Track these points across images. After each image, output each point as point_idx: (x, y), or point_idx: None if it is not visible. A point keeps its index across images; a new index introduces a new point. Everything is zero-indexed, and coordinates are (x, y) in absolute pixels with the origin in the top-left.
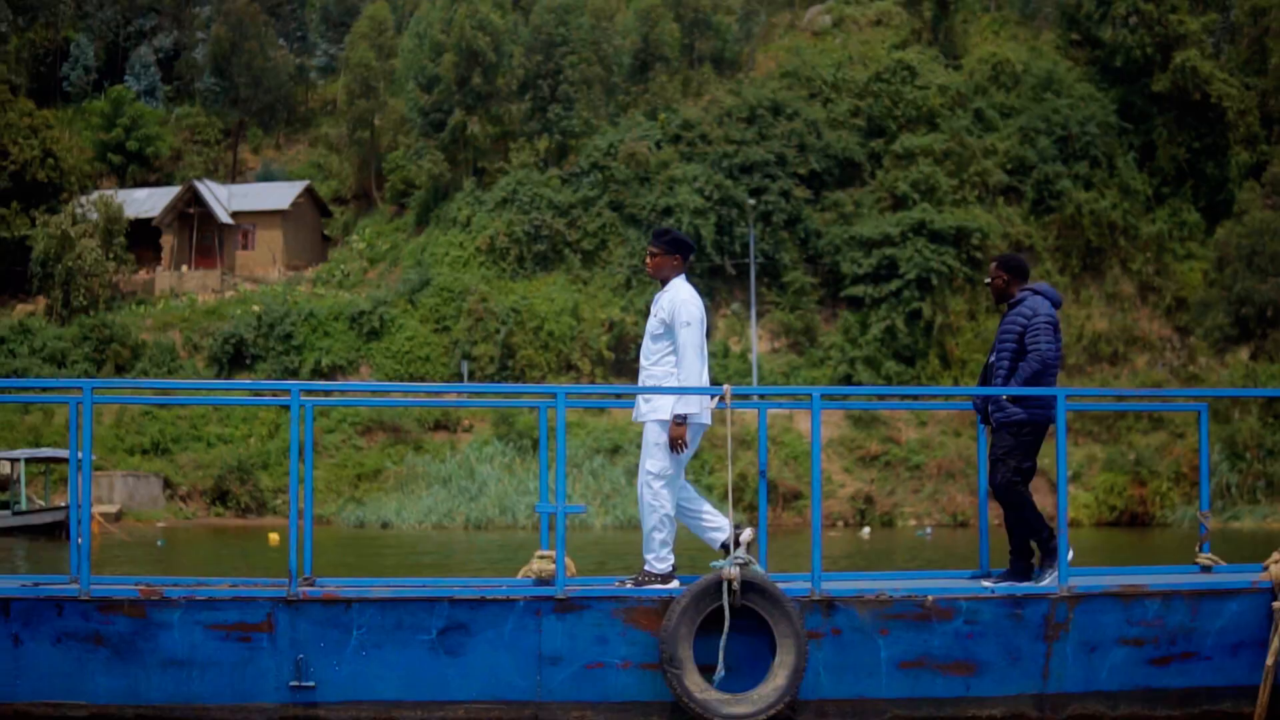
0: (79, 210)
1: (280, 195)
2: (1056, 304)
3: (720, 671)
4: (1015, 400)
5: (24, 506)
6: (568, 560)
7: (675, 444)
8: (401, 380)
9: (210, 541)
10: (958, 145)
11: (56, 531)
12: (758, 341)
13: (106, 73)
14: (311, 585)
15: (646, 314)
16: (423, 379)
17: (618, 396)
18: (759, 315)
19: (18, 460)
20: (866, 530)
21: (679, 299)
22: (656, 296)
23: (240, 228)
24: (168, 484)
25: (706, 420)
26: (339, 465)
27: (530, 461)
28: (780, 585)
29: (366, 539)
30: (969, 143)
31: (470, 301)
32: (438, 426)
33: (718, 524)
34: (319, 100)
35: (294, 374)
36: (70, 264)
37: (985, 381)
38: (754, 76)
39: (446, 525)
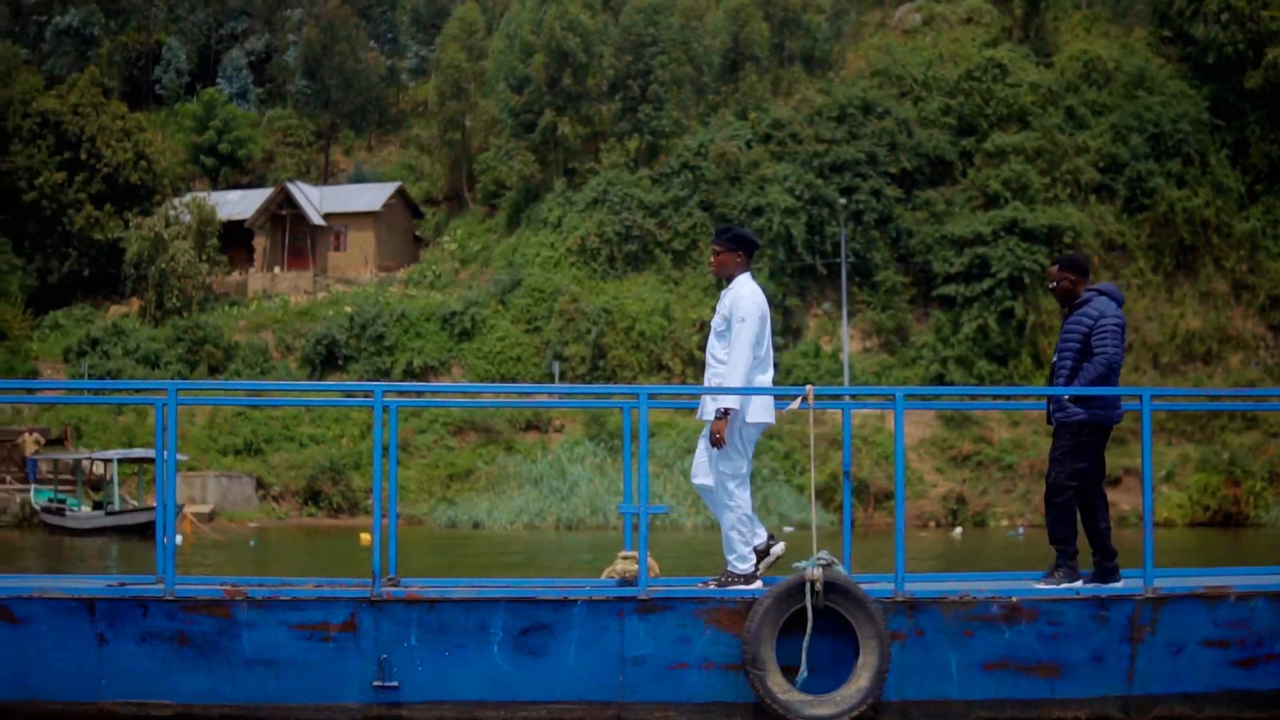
0: (172, 212)
1: (372, 197)
2: (1120, 304)
3: (803, 673)
4: (1076, 401)
5: (117, 506)
6: (651, 561)
7: (714, 439)
8: (493, 381)
9: (302, 541)
10: (1049, 143)
11: (148, 531)
12: (849, 341)
13: (199, 76)
14: (396, 585)
15: None
16: (514, 379)
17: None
18: (850, 315)
19: (111, 461)
20: (959, 531)
21: (739, 295)
22: (722, 295)
23: (332, 229)
24: (260, 484)
25: (766, 419)
26: (431, 466)
27: (621, 462)
28: (863, 586)
29: (458, 539)
30: (1061, 141)
31: (561, 302)
32: (529, 427)
33: (750, 559)
34: (410, 102)
35: (386, 375)
36: (164, 266)
37: (1051, 382)
38: (844, 75)
39: (538, 525)
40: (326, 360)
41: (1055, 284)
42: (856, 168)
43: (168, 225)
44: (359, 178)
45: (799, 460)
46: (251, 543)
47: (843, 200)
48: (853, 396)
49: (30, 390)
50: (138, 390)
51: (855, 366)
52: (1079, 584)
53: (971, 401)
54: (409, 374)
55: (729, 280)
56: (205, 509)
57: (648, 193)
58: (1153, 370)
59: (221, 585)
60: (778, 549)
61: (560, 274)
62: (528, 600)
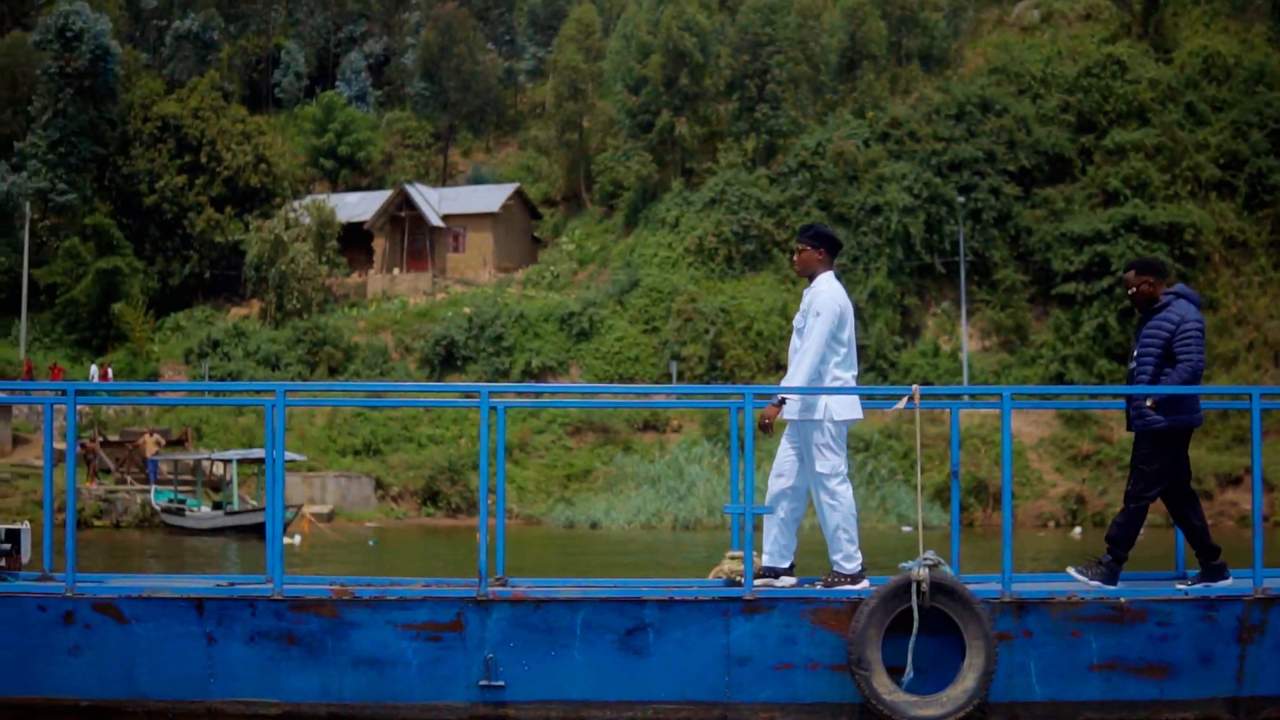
0: (292, 215)
1: (490, 198)
2: (1199, 306)
3: (909, 673)
4: (1157, 408)
5: (235, 506)
6: (757, 560)
7: (761, 423)
8: (610, 381)
9: (420, 541)
10: (1169, 140)
11: (265, 531)
12: (968, 340)
13: (318, 79)
14: (503, 585)
15: (856, 314)
16: (631, 380)
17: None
18: (969, 314)
19: (230, 461)
20: (1078, 531)
21: (819, 290)
22: (804, 293)
23: (451, 230)
24: (379, 484)
25: (853, 416)
26: (549, 466)
27: (741, 461)
28: (971, 587)
29: (576, 539)
30: (1181, 137)
31: (679, 302)
32: (646, 427)
33: (856, 557)
34: (528, 103)
35: (504, 375)
36: (283, 268)
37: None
38: (962, 73)
39: (654, 525)
40: (445, 361)
41: (1134, 289)
42: (975, 166)
43: (287, 228)
44: (477, 179)
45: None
46: (370, 542)
47: (961, 199)
48: (960, 396)
49: (146, 392)
50: (248, 391)
51: (974, 366)
52: (1114, 586)
53: (1082, 400)
54: (527, 374)
55: (812, 278)
56: (325, 509)
57: (765, 192)
58: (1275, 368)
59: (329, 585)
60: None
61: (678, 274)
62: (633, 600)
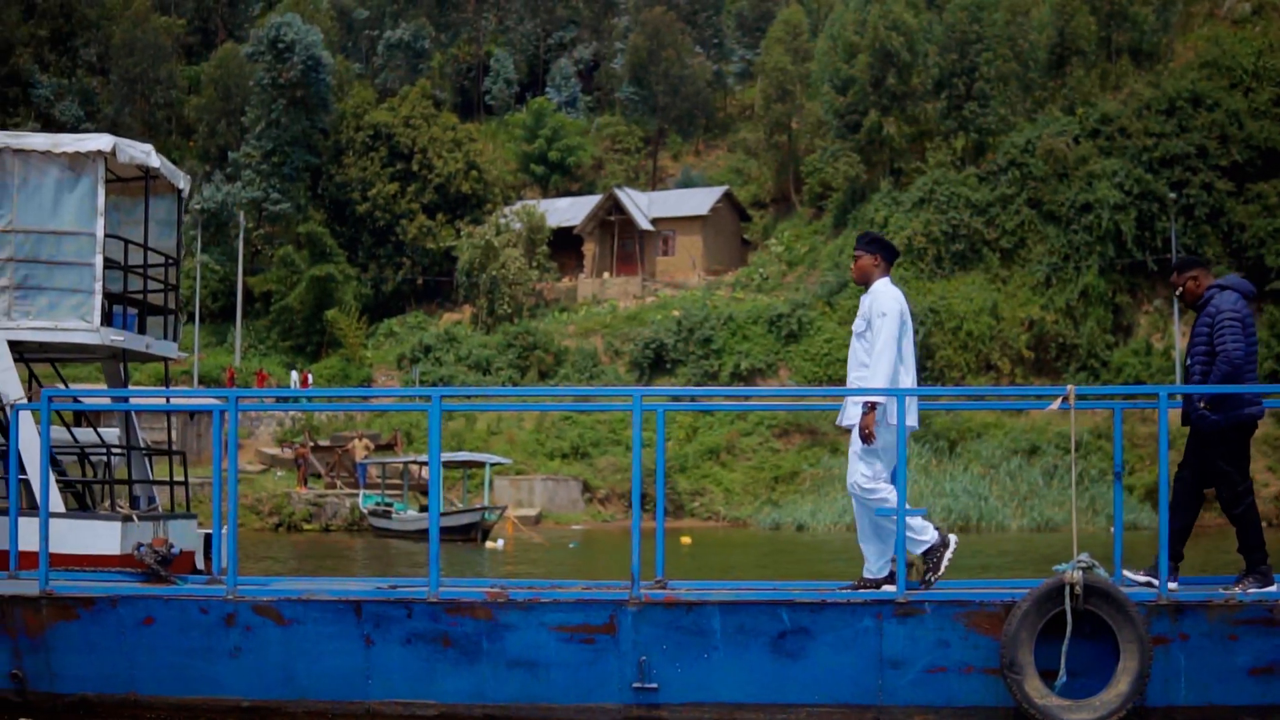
0: (502, 221)
1: (699, 201)
2: (1249, 295)
3: (1061, 677)
4: (1209, 405)
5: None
6: (918, 563)
7: (864, 432)
8: (820, 383)
9: (625, 544)
10: None
11: (472, 533)
12: (1180, 338)
13: (528, 85)
14: (663, 588)
15: (1067, 313)
16: (840, 382)
17: (958, 398)
18: (1181, 312)
19: None
20: None
21: (878, 294)
22: (862, 299)
23: (660, 234)
24: (586, 487)
25: (911, 422)
26: (756, 468)
27: (946, 463)
28: (1125, 590)
29: (781, 542)
30: None
31: None
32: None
33: (925, 536)
34: (737, 105)
35: (713, 378)
36: (494, 273)
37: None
38: (1172, 67)
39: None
40: (654, 364)
41: (1181, 290)
42: (1186, 161)
43: (498, 233)
44: (687, 182)
45: (1128, 460)
46: (571, 544)
47: (1173, 195)
48: (1116, 396)
49: (304, 398)
50: (404, 397)
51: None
52: (1273, 588)
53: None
54: (736, 377)
55: (867, 284)
56: (532, 512)
57: (974, 191)
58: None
59: (484, 588)
60: (949, 552)
61: None
62: (785, 603)
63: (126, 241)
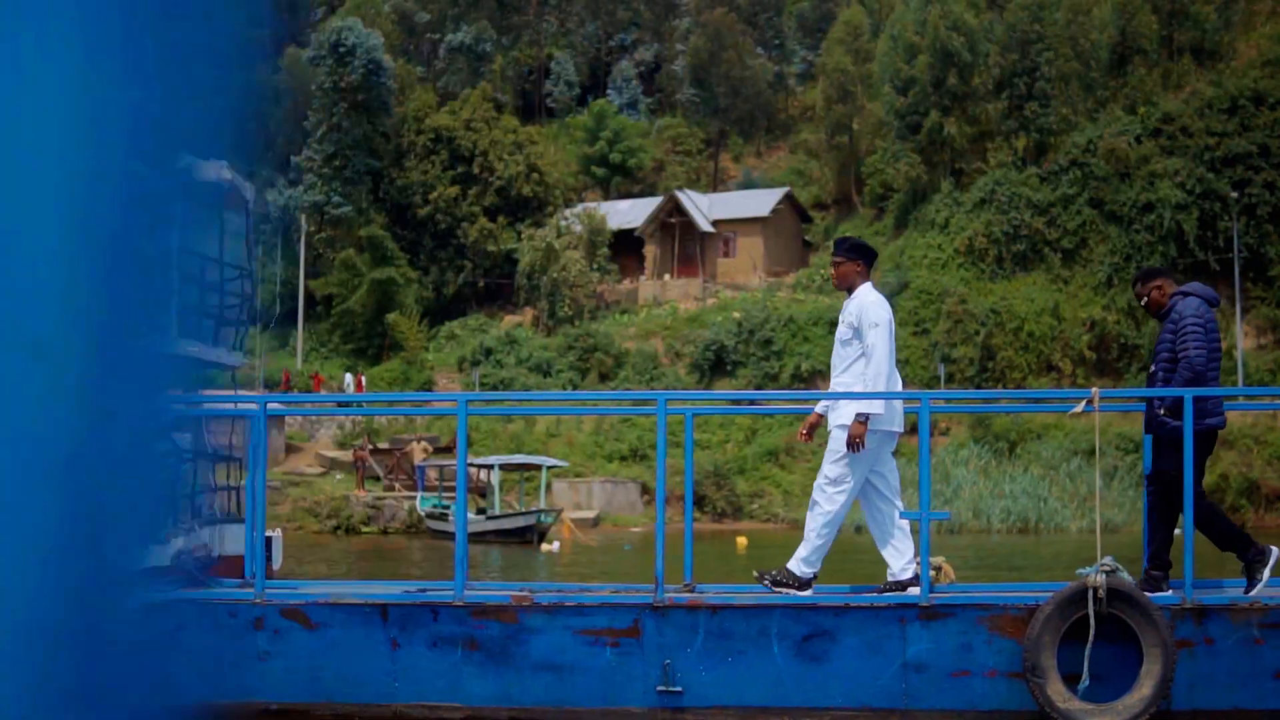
0: (563, 223)
1: (760, 202)
2: (1212, 302)
3: (1084, 681)
4: (1170, 411)
5: (497, 511)
6: (946, 566)
7: (852, 443)
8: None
9: (679, 546)
10: None
11: (527, 535)
12: (1243, 338)
13: (589, 88)
14: (690, 591)
15: (1129, 313)
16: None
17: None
18: (1244, 311)
19: (492, 467)
20: None
21: (866, 302)
22: (845, 305)
23: (721, 236)
24: (645, 489)
25: (896, 428)
26: (814, 469)
27: (1006, 464)
28: (1148, 593)
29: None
30: None
31: (949, 303)
32: (913, 430)
33: (907, 556)
34: (798, 107)
35: (774, 380)
36: (555, 276)
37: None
38: (1235, 66)
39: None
40: (715, 366)
41: (1145, 299)
42: (1249, 160)
43: (559, 236)
44: (748, 184)
45: None
46: (625, 547)
47: (1235, 194)
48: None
49: (335, 403)
50: (434, 401)
51: (1250, 364)
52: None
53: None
54: (796, 378)
55: (850, 290)
56: (590, 514)
57: (1036, 191)
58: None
59: (510, 591)
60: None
61: (948, 275)
62: (809, 606)
63: (201, 256)
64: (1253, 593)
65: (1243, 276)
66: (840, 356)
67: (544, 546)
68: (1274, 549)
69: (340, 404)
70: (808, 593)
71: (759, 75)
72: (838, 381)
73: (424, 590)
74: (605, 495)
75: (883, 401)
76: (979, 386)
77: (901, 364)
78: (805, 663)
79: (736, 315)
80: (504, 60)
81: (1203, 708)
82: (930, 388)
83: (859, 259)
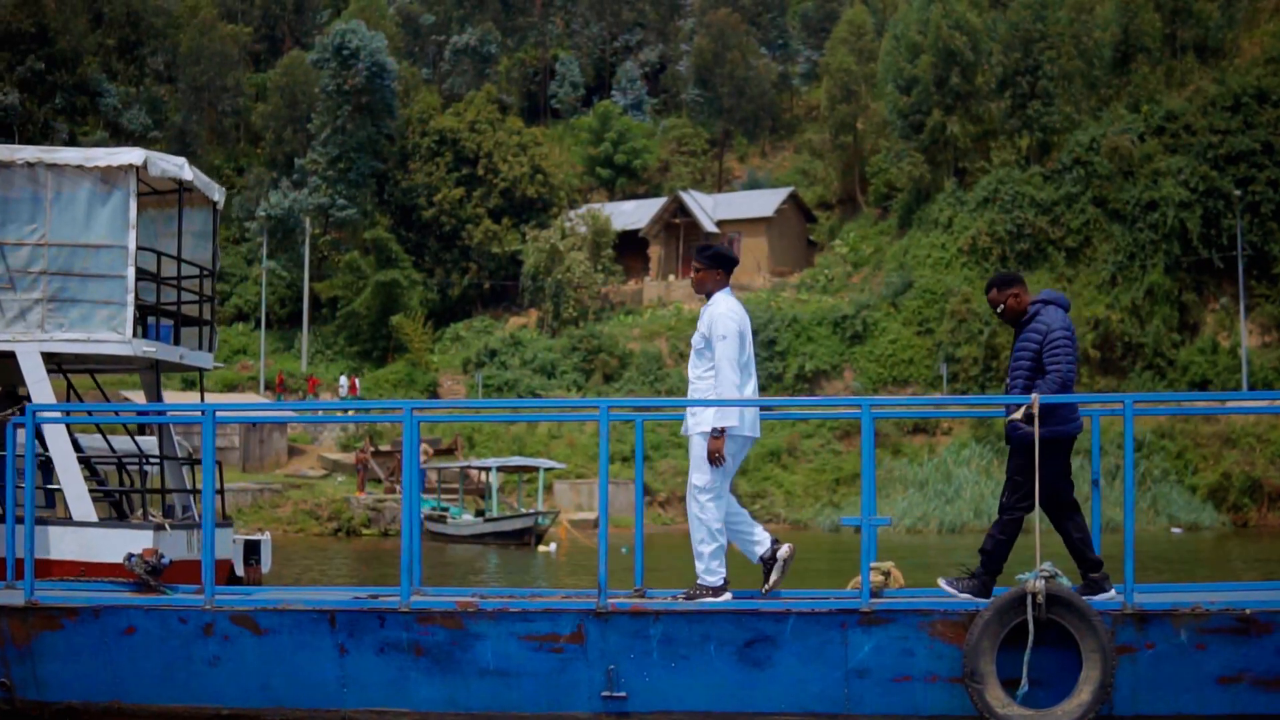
0: (568, 224)
1: (764, 203)
2: (1067, 309)
3: (1023, 686)
4: (1027, 420)
5: (495, 513)
6: (896, 572)
7: (712, 457)
8: (885, 384)
9: (683, 547)
10: None
11: (525, 537)
12: (1247, 336)
13: (594, 89)
14: (641, 596)
15: (1133, 311)
16: (906, 382)
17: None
18: (1248, 309)
19: (490, 469)
20: None
21: (716, 313)
22: (701, 311)
23: (726, 236)
24: (647, 490)
25: (751, 433)
26: (817, 470)
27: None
28: (1088, 599)
29: (840, 544)
30: None
31: (953, 303)
32: (916, 430)
33: (758, 538)
34: (803, 106)
35: (778, 380)
36: (560, 277)
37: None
38: (1238, 63)
39: (920, 530)
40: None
41: (1001, 306)
42: (1252, 158)
43: (563, 237)
44: (753, 184)
45: (1191, 460)
46: (623, 550)
47: (1238, 192)
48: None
49: (278, 412)
50: (380, 409)
51: (1254, 362)
52: (986, 600)
53: (1204, 406)
54: (800, 379)
55: (708, 297)
56: (592, 516)
57: (1039, 190)
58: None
59: (456, 597)
60: (784, 551)
61: (951, 275)
62: (750, 612)
63: (160, 254)
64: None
65: (1246, 274)
66: (694, 364)
67: (541, 548)
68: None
69: (295, 412)
70: (726, 597)
71: (763, 75)
72: (694, 388)
73: (377, 596)
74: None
75: (737, 411)
76: (983, 387)
77: (905, 363)
78: (748, 668)
79: None
80: (509, 62)
81: (1145, 713)
82: (934, 388)
83: (718, 267)
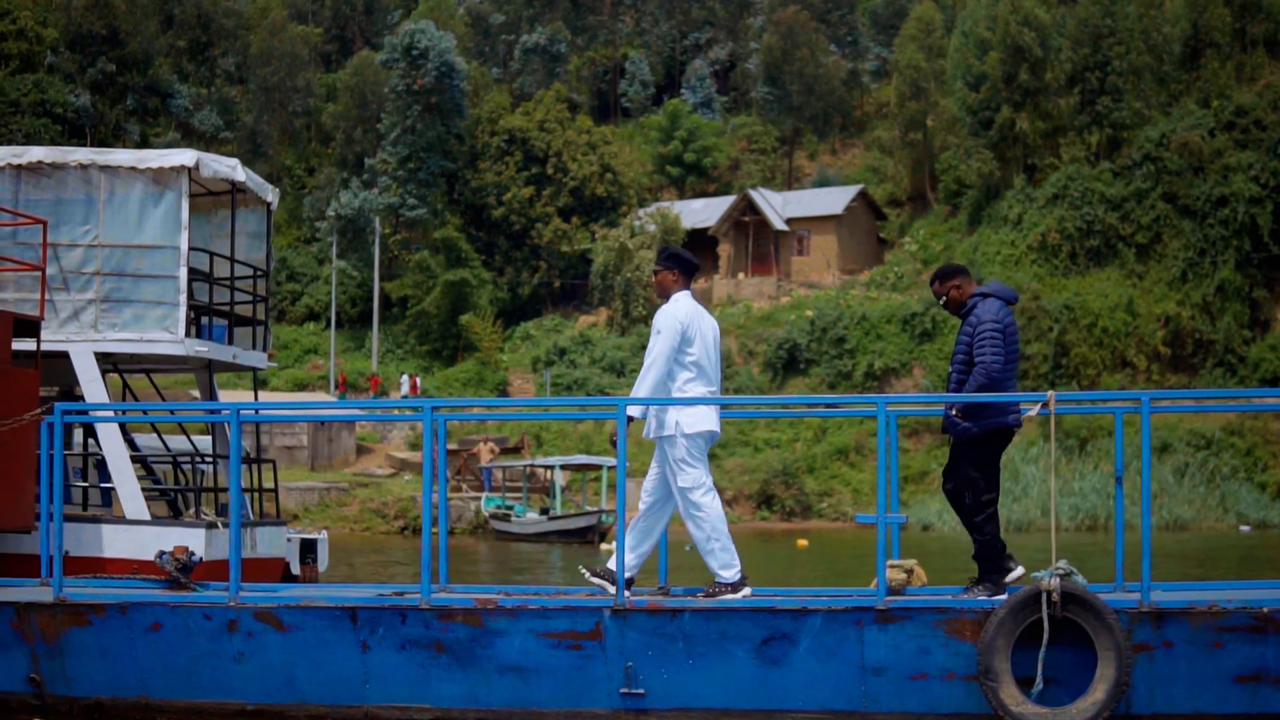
0: (637, 223)
1: (834, 200)
2: (1011, 301)
3: (1038, 684)
4: (962, 413)
5: (559, 511)
6: (918, 569)
7: (612, 439)
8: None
9: (748, 545)
10: None
11: (588, 535)
12: None
13: (664, 87)
14: (666, 594)
15: (1203, 308)
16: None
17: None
18: None
19: (553, 467)
20: None
21: (662, 311)
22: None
23: (795, 234)
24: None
25: (708, 428)
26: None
27: (1077, 462)
28: (1104, 597)
29: (904, 542)
30: None
31: (1022, 300)
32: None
33: (733, 565)
34: (872, 104)
35: (846, 378)
36: (629, 275)
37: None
38: None
39: None
40: (788, 365)
41: (944, 298)
42: None
43: (632, 236)
44: (823, 182)
45: (1261, 457)
46: (686, 548)
47: None
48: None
49: (308, 410)
50: (400, 408)
51: None
52: (1003, 597)
53: (1226, 404)
54: (869, 377)
55: (668, 298)
56: None
57: (1109, 186)
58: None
59: (476, 595)
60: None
61: (1021, 272)
62: (767, 610)
63: (213, 254)
64: (965, 597)
65: None
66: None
67: (604, 546)
68: (1019, 568)
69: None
70: (746, 592)
71: (833, 72)
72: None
73: (403, 594)
74: None
75: (703, 408)
76: (1053, 385)
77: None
78: (765, 665)
79: (809, 314)
80: (579, 61)
81: (1163, 711)
82: None
83: (675, 268)
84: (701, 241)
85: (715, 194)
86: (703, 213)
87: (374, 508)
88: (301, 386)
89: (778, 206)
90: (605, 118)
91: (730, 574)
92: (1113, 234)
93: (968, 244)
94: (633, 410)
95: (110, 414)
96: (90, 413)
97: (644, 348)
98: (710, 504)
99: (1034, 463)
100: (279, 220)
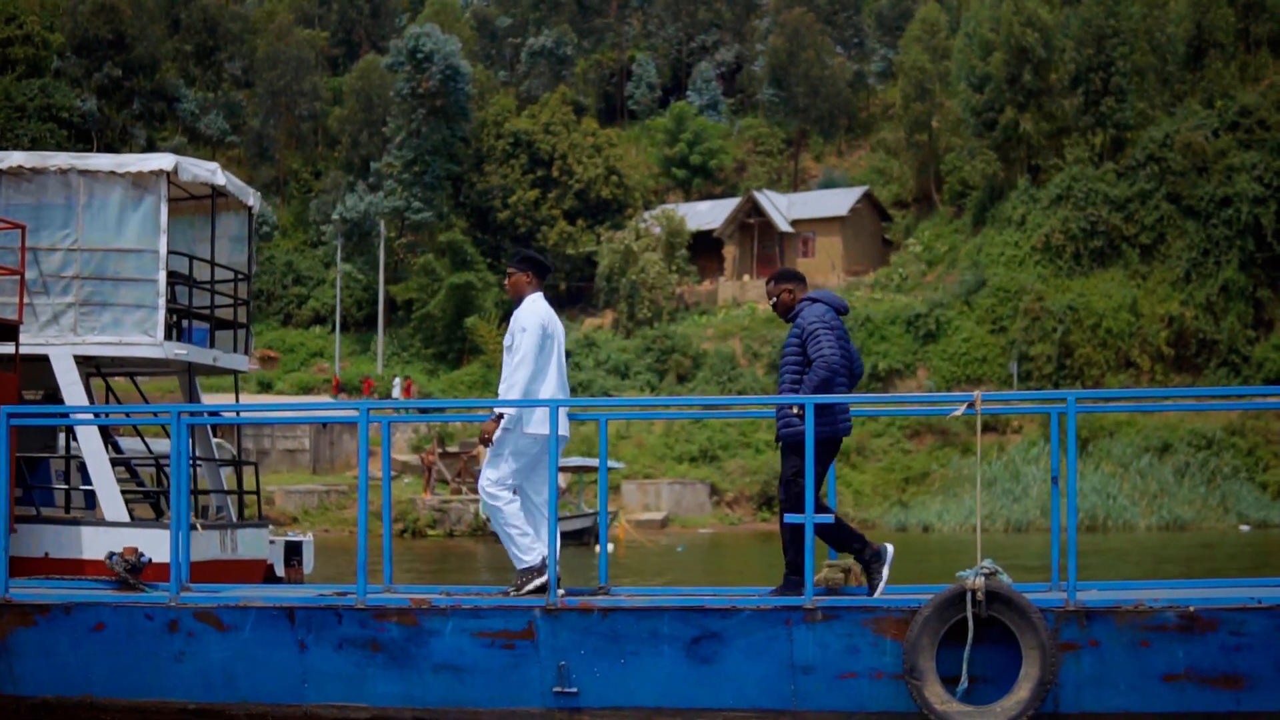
0: (642, 225)
1: (838, 202)
2: (840, 310)
3: (963, 683)
4: (801, 415)
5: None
6: (855, 568)
7: (483, 438)
8: (957, 383)
9: (747, 547)
10: None
11: (584, 537)
12: None
13: (670, 89)
14: (606, 594)
15: (1207, 308)
16: (979, 381)
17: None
18: None
19: None
20: None
21: (522, 311)
22: (513, 314)
23: (800, 235)
24: (714, 490)
25: (544, 431)
26: (886, 469)
27: (1077, 462)
28: (1030, 596)
29: (905, 542)
30: None
31: (1026, 301)
32: (986, 428)
33: (533, 549)
34: (878, 105)
35: None
36: (634, 278)
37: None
38: None
39: (987, 528)
40: None
41: (775, 299)
42: None
43: (638, 238)
44: (829, 183)
45: (1262, 457)
46: (678, 549)
47: None
48: (1024, 402)
49: (239, 412)
50: (331, 410)
51: None
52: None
53: (1151, 403)
54: (874, 378)
55: (520, 300)
56: (659, 515)
57: (1113, 187)
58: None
59: (411, 595)
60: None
61: (1025, 273)
62: (696, 609)
63: (192, 258)
64: (875, 594)
65: None
66: (505, 362)
67: (597, 547)
68: (889, 546)
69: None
70: (546, 578)
71: (838, 74)
72: (501, 389)
73: (344, 594)
74: (674, 496)
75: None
76: (1056, 385)
77: (978, 362)
78: (695, 664)
79: None
80: (585, 63)
81: (1091, 710)
82: (1006, 386)
83: (528, 270)
84: (707, 243)
85: (721, 196)
86: (708, 214)
87: (373, 510)
88: (307, 390)
89: (783, 208)
90: (611, 120)
91: (530, 557)
92: (1116, 234)
93: (972, 245)
94: (509, 409)
95: (59, 416)
96: (35, 416)
97: (648, 350)
98: (507, 499)
99: (1035, 463)
100: (285, 224)
